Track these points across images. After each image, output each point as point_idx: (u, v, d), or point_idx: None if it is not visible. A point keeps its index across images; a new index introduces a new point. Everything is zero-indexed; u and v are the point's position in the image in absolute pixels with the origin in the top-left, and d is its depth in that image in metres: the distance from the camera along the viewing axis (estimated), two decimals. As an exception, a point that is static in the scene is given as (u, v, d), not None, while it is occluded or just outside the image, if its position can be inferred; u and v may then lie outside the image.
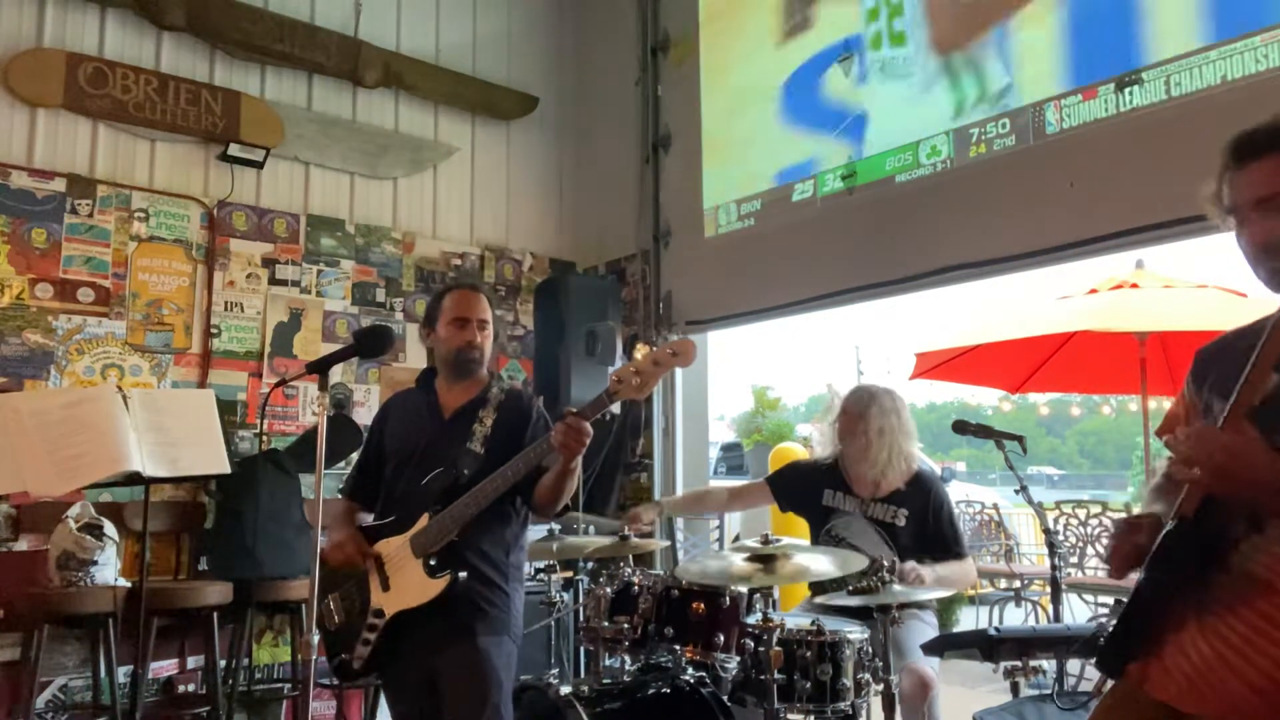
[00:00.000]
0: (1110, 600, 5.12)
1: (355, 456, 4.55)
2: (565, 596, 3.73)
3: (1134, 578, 1.55)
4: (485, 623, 2.44)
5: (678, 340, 2.27)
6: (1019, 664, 2.32)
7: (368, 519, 2.69)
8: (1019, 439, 3.09)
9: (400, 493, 2.59)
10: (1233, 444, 1.35)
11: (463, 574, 2.39)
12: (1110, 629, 1.52)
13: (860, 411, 3.27)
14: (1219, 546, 1.39)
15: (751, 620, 2.58)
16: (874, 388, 3.41)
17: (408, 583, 2.43)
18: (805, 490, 3.41)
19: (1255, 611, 1.37)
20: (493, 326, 2.69)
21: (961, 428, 3.15)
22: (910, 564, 2.92)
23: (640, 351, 2.25)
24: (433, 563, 2.40)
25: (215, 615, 3.73)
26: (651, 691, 2.76)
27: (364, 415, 4.75)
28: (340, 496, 2.85)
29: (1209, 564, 1.40)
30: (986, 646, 2.31)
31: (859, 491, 3.27)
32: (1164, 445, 1.78)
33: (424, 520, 2.44)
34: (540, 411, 2.66)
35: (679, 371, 5.16)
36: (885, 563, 2.67)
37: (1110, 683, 1.60)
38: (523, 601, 2.60)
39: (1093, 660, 1.55)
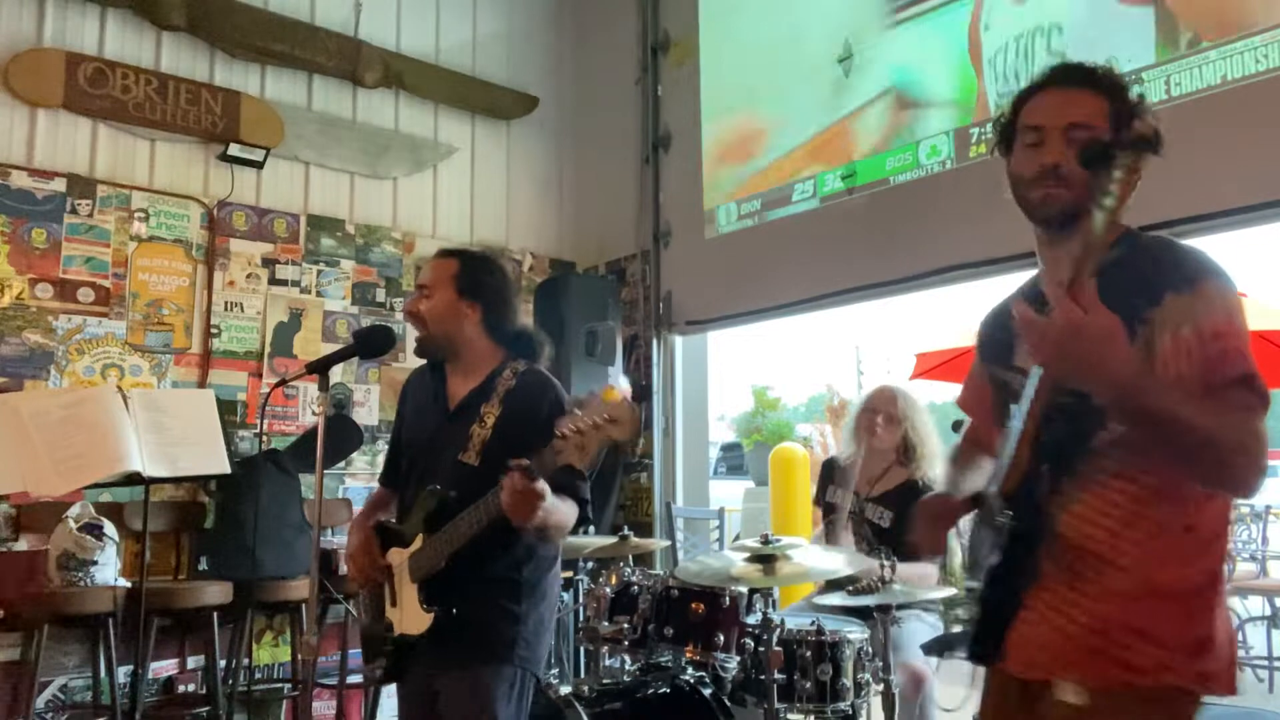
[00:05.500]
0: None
1: (355, 456, 4.65)
2: (565, 596, 3.73)
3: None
4: (486, 650, 2.20)
5: (617, 405, 1.85)
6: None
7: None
8: (1019, 439, 3.09)
9: (409, 495, 2.42)
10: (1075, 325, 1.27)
11: (454, 610, 2.17)
12: (973, 618, 1.53)
13: (880, 408, 3.32)
14: (1038, 517, 1.42)
15: (751, 620, 2.58)
16: (895, 387, 3.45)
17: (409, 605, 2.26)
18: (821, 489, 3.47)
19: (1070, 572, 1.41)
20: (451, 287, 2.42)
21: (961, 428, 3.15)
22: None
23: (587, 407, 1.89)
24: (424, 595, 2.20)
25: (215, 615, 3.73)
26: (651, 691, 2.76)
27: (364, 415, 4.75)
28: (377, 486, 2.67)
29: (1034, 537, 1.43)
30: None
31: (857, 487, 3.28)
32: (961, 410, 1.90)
33: (419, 541, 2.24)
34: (554, 404, 2.25)
35: (679, 371, 5.17)
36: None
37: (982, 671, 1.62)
38: (542, 621, 2.29)
39: (965, 654, 1.56)
